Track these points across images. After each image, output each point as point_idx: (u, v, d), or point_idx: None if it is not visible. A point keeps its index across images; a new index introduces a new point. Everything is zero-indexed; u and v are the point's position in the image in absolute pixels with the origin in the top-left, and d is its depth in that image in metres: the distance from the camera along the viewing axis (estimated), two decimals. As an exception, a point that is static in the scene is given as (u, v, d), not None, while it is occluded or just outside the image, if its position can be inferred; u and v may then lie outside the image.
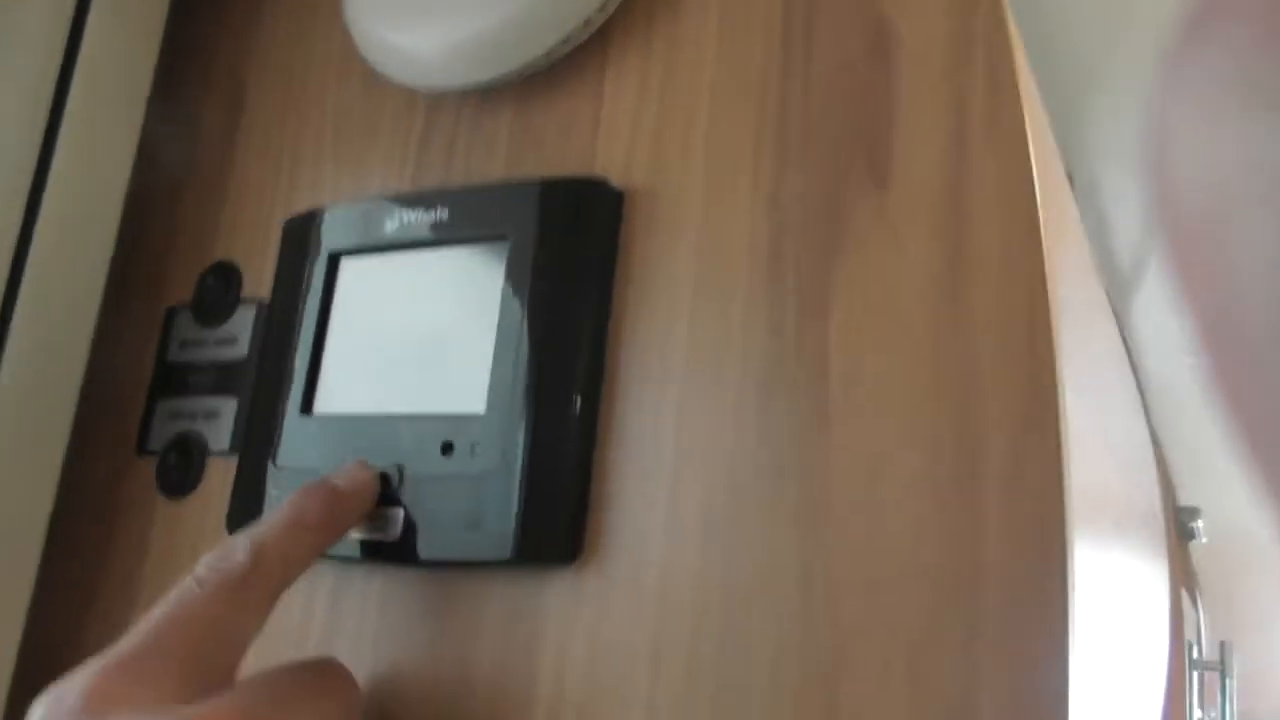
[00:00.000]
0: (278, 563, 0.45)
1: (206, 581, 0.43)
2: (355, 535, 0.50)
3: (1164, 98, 0.15)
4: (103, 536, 0.63)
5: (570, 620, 0.47)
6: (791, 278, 0.46)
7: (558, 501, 0.48)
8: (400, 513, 0.50)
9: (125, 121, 0.66)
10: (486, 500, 0.48)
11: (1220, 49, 0.14)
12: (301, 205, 0.62)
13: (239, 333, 0.62)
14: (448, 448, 0.50)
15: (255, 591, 0.44)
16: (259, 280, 0.63)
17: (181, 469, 0.61)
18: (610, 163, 0.53)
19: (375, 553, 0.50)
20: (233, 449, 0.60)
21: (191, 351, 0.64)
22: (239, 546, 0.44)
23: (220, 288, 0.63)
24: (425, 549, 0.49)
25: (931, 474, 0.41)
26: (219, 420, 0.61)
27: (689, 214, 0.50)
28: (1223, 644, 1.98)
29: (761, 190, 0.48)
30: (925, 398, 0.42)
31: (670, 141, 0.51)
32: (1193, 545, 1.78)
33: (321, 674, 0.45)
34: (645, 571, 0.46)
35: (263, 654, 0.53)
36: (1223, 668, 1.97)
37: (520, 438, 0.48)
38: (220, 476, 0.60)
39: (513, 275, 0.50)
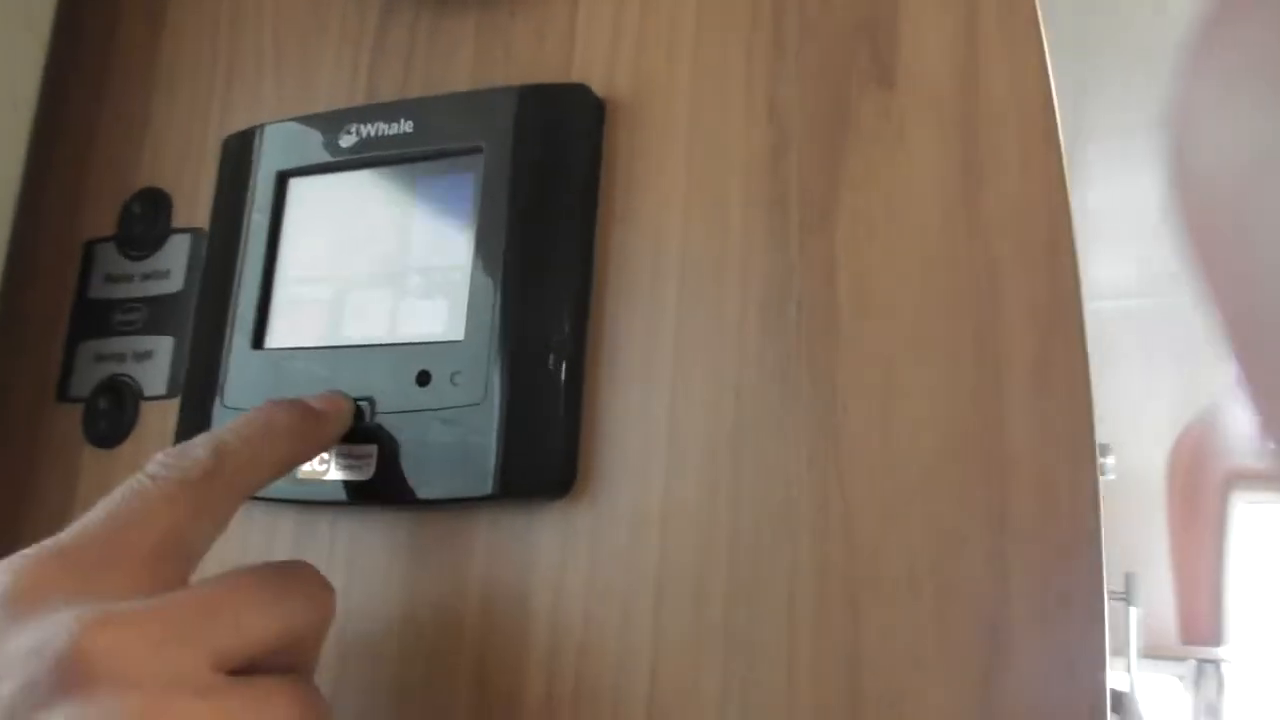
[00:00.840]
0: (243, 463, 0.39)
1: (161, 479, 0.37)
2: (325, 476, 0.46)
3: (1187, 84, 0.15)
4: (22, 492, 0.57)
5: (565, 557, 0.44)
6: (794, 187, 0.44)
7: (548, 430, 0.45)
8: (374, 450, 0.46)
9: (27, 34, 0.60)
10: (470, 433, 0.45)
11: (1242, 38, 0.14)
12: (238, 124, 0.56)
13: (172, 265, 0.57)
14: (424, 378, 0.46)
15: (215, 492, 0.38)
16: (192, 207, 0.57)
17: (113, 416, 0.56)
18: (590, 70, 0.49)
19: (347, 495, 0.47)
20: (171, 392, 0.55)
21: (117, 287, 0.58)
22: (199, 444, 0.38)
23: (148, 216, 0.57)
24: (403, 489, 0.46)
25: (951, 386, 0.40)
26: (153, 361, 0.56)
27: (678, 123, 0.47)
28: (1128, 575, 2.07)
29: (757, 95, 0.45)
30: (941, 307, 0.41)
31: (655, 45, 0.48)
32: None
33: (291, 576, 0.38)
34: (646, 501, 0.43)
35: (222, 607, 0.49)
36: (1128, 598, 2.06)
37: (504, 364, 0.45)
38: (157, 423, 0.55)
39: (489, 189, 0.47)
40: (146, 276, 0.57)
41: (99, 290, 0.59)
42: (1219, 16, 0.15)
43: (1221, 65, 0.14)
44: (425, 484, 0.45)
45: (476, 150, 0.47)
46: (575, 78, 0.49)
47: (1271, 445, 0.15)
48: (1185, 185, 0.15)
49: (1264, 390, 0.14)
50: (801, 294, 0.43)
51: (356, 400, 0.47)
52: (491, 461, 0.44)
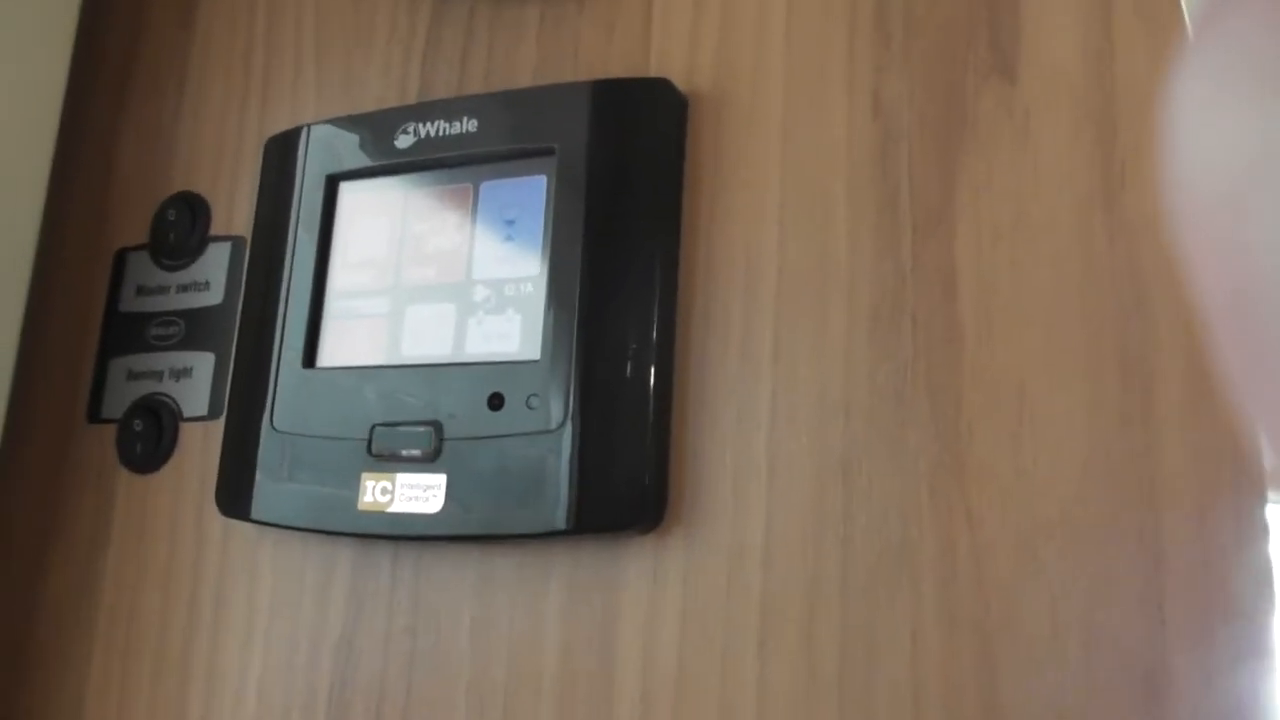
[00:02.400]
0: None
1: None
2: (388, 508, 0.43)
3: (1181, 82, 0.15)
4: (53, 520, 0.54)
5: (654, 597, 0.40)
6: (905, 188, 0.40)
7: (633, 458, 0.41)
8: (441, 480, 0.42)
9: (52, 29, 0.56)
10: (548, 461, 0.41)
11: (1235, 35, 0.14)
12: (278, 125, 0.52)
13: (211, 275, 0.53)
14: (497, 401, 0.42)
15: None
16: (231, 213, 0.53)
17: (150, 438, 0.52)
18: (668, 64, 0.45)
19: (411, 529, 0.43)
20: (213, 413, 0.51)
21: (152, 299, 0.54)
22: None
23: (185, 223, 0.54)
24: (472, 522, 0.42)
25: (1094, 408, 0.36)
26: (192, 380, 0.52)
27: (770, 119, 0.43)
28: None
29: (860, 87, 0.41)
30: (1079, 320, 0.37)
31: (741, 35, 0.44)
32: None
33: None
34: (745, 536, 0.39)
35: (276, 648, 0.45)
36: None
37: (585, 387, 0.41)
38: (198, 444, 0.51)
39: (563, 192, 0.43)
40: (184, 288, 0.53)
41: (131, 303, 0.55)
42: (1211, 14, 0.14)
43: (1213, 62, 0.14)
44: (497, 517, 0.41)
45: (549, 151, 0.43)
46: (652, 73, 0.45)
47: (1267, 448, 0.14)
48: (1180, 185, 0.14)
49: (1260, 396, 0.14)
50: (916, 306, 0.39)
51: (422, 425, 0.43)
52: (566, 493, 0.40)
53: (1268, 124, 0.13)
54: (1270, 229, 0.13)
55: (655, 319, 0.42)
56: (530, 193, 0.44)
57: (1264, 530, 0.33)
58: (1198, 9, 0.15)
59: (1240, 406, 0.14)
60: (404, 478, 0.43)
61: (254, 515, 0.46)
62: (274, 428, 0.46)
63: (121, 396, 0.54)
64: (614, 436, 0.41)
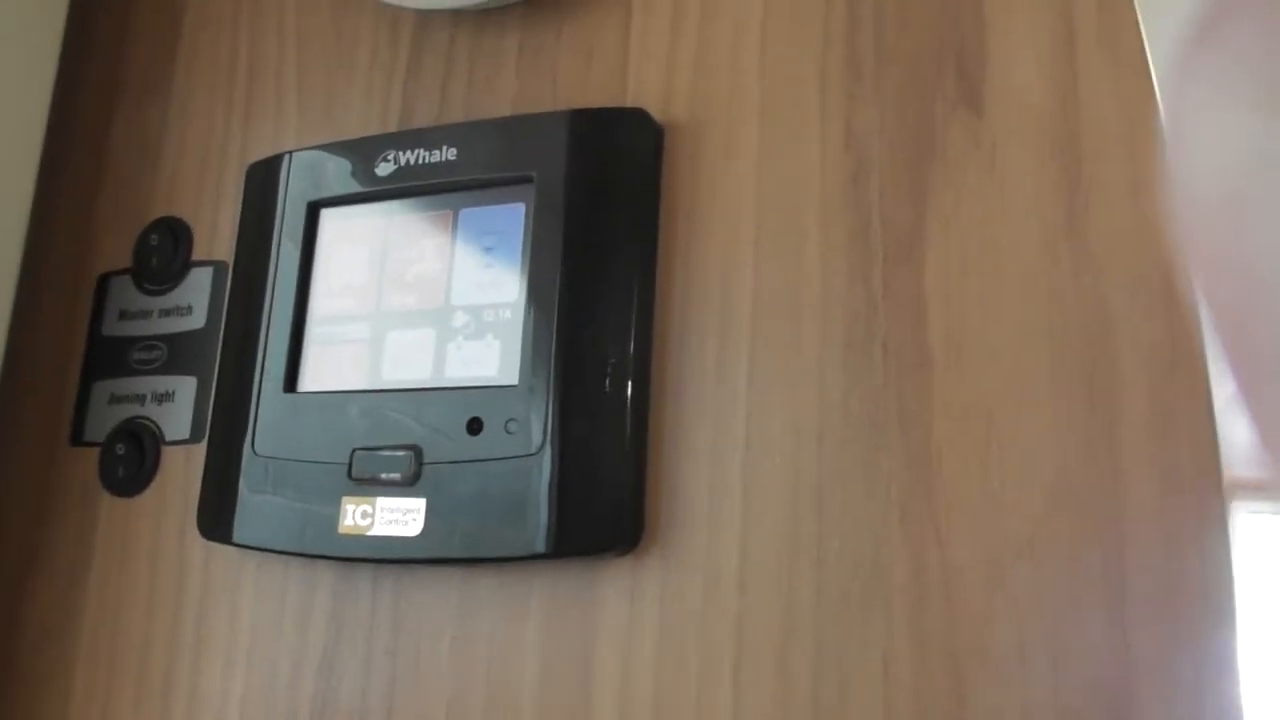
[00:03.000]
0: None
1: None
2: (368, 531, 0.43)
3: (1178, 87, 0.15)
4: (35, 543, 0.54)
5: (631, 619, 0.41)
6: (875, 218, 0.41)
7: (610, 482, 0.41)
8: (421, 504, 0.43)
9: (36, 54, 0.56)
10: (526, 485, 0.41)
11: (1231, 46, 0.14)
12: (260, 151, 0.53)
13: (193, 300, 0.53)
14: (476, 425, 0.42)
15: None
16: (214, 238, 0.54)
17: (132, 461, 0.52)
18: (644, 93, 0.46)
19: (391, 552, 0.43)
20: (195, 437, 0.51)
21: (134, 324, 0.54)
22: None
23: (167, 248, 0.54)
24: (451, 546, 0.42)
25: (1060, 434, 0.36)
26: (174, 403, 0.52)
27: (745, 149, 0.43)
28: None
29: (832, 119, 0.42)
30: (1045, 348, 0.37)
31: (716, 66, 0.45)
32: None
33: None
34: (720, 559, 0.40)
35: (258, 670, 0.46)
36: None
37: (563, 412, 0.41)
38: (179, 468, 0.52)
39: (541, 220, 0.43)
40: (166, 312, 0.54)
41: (114, 327, 0.55)
42: (1210, 18, 0.14)
43: (1212, 67, 0.14)
44: (476, 540, 0.42)
45: (527, 179, 0.44)
46: (629, 102, 0.46)
47: (1268, 458, 0.14)
48: (1180, 191, 0.15)
49: (1259, 402, 0.14)
50: (888, 334, 0.39)
51: (402, 449, 0.43)
52: (545, 516, 0.41)
53: (1267, 129, 0.13)
54: (1270, 234, 0.13)
55: (632, 344, 0.42)
56: (509, 220, 0.44)
57: (1227, 551, 0.34)
58: (1197, 17, 0.15)
59: (1241, 408, 0.14)
60: (384, 501, 0.43)
61: (235, 538, 0.46)
62: (255, 451, 0.47)
63: (104, 420, 0.54)
64: (592, 460, 0.41)
